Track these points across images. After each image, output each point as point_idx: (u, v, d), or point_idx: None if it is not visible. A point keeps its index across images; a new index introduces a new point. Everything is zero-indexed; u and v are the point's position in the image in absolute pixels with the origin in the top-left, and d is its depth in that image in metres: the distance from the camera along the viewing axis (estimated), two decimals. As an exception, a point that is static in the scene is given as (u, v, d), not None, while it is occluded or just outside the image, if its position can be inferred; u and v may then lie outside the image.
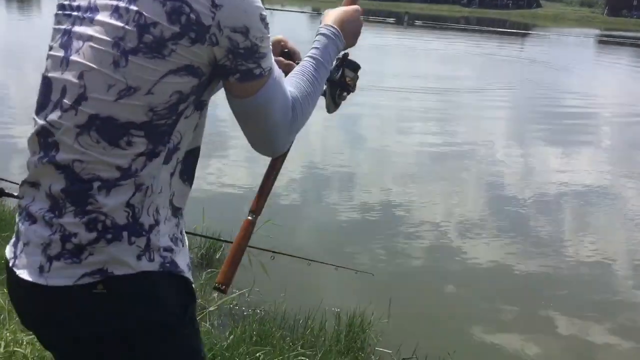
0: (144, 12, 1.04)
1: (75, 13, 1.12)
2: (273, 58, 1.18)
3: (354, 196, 6.78)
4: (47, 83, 1.13)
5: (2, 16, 27.84)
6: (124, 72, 1.05)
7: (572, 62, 24.22)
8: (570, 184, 7.75)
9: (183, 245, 1.21)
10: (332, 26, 1.38)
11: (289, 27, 31.22)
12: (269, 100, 1.16)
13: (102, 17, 1.07)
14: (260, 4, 1.12)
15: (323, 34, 1.37)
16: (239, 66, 1.11)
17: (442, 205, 6.77)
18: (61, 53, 1.11)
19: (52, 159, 1.09)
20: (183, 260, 1.19)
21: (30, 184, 1.14)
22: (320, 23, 1.42)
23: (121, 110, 1.06)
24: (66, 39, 1.11)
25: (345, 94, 1.49)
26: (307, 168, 7.57)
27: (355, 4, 1.49)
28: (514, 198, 7.09)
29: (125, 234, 1.08)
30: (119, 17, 1.05)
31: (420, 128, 10.79)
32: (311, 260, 3.04)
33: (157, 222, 1.13)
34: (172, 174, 1.15)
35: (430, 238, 5.75)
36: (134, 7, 1.04)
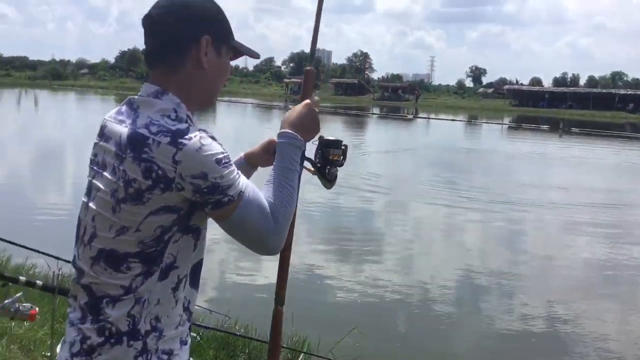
0: (127, 171, 1.36)
1: (95, 168, 1.48)
2: (241, 181, 1.40)
3: (514, 307, 6.87)
4: (78, 223, 1.50)
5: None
6: (119, 215, 1.38)
7: None
8: None
9: (187, 345, 1.51)
10: (285, 133, 1.56)
11: (444, 133, 33.43)
12: (246, 217, 1.40)
13: (106, 173, 1.42)
14: (215, 150, 1.36)
15: (280, 143, 1.56)
16: (209, 199, 1.37)
17: (613, 323, 6.55)
18: (85, 199, 1.49)
19: (78, 281, 1.47)
20: (184, 358, 1.48)
21: (73, 297, 1.49)
22: (280, 128, 1.59)
23: (119, 244, 1.40)
24: (88, 189, 1.49)
25: (334, 169, 1.68)
26: (466, 277, 7.86)
27: (308, 95, 1.64)
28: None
29: (125, 338, 1.39)
30: (114, 174, 1.39)
31: (588, 242, 10.38)
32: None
33: (154, 329, 1.41)
34: (173, 289, 1.44)
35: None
36: (121, 167, 1.37)
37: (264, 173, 1.61)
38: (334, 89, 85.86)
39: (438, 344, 6.06)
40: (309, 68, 1.72)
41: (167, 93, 1.45)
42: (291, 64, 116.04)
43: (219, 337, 4.82)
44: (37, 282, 2.68)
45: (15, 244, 4.40)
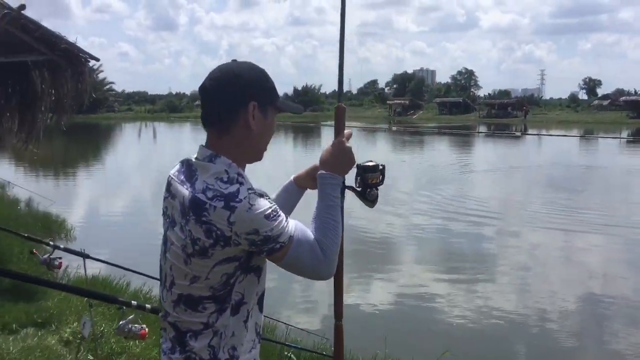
0: (192, 231, 1.58)
1: (167, 220, 1.71)
2: (290, 227, 1.61)
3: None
4: (160, 268, 1.76)
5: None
6: (190, 267, 1.62)
7: None
8: None
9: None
10: (322, 174, 1.75)
11: (554, 150, 32.71)
12: (298, 256, 1.62)
13: (176, 229, 1.64)
14: (263, 207, 1.57)
15: (320, 184, 1.75)
16: (263, 248, 1.59)
17: None
18: (163, 248, 1.72)
19: (165, 319, 1.73)
20: None
21: (163, 329, 1.75)
22: (319, 168, 1.78)
23: (194, 290, 1.64)
24: (164, 238, 1.72)
25: (374, 190, 1.84)
26: (578, 305, 7.75)
27: (340, 132, 1.79)
28: None
29: None
30: (182, 231, 1.61)
31: None
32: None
33: (232, 357, 1.66)
34: (244, 321, 1.68)
35: None
36: (187, 227, 1.59)
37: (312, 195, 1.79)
38: (437, 108, 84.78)
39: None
40: (338, 105, 1.86)
41: (220, 156, 1.67)
42: (395, 86, 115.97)
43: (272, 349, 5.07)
44: (147, 305, 2.99)
45: (132, 271, 4.89)
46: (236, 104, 1.68)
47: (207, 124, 1.72)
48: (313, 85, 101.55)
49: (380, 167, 1.86)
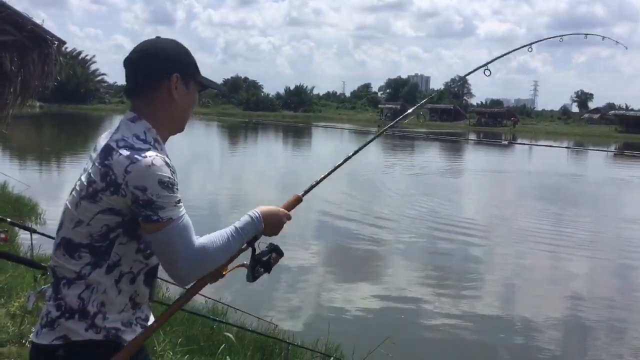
0: (92, 173, 1.69)
1: (82, 172, 1.78)
2: (178, 212, 1.67)
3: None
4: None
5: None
6: (78, 210, 1.70)
7: None
8: None
9: (137, 326, 1.80)
10: (259, 213, 1.86)
11: (548, 161, 32.74)
12: (168, 241, 1.66)
13: (83, 176, 1.73)
14: (162, 172, 1.64)
15: (250, 216, 1.84)
16: (141, 211, 1.65)
17: None
18: (69, 198, 1.78)
19: (49, 265, 1.82)
20: (131, 336, 1.77)
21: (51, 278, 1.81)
22: (256, 209, 1.87)
23: (75, 235, 1.71)
24: (72, 188, 1.79)
25: (263, 271, 1.89)
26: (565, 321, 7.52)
27: (292, 208, 1.97)
28: None
29: (76, 315, 1.71)
30: (85, 176, 1.71)
31: None
32: None
33: (100, 312, 1.71)
34: (116, 281, 1.73)
35: None
36: (90, 170, 1.70)
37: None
38: (429, 114, 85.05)
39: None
40: (299, 195, 2.02)
41: (141, 119, 1.79)
42: (388, 90, 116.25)
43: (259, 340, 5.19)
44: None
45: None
46: (160, 74, 1.80)
47: (132, 94, 1.84)
48: (306, 86, 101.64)
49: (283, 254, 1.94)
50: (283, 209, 1.95)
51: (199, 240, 1.73)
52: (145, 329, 1.84)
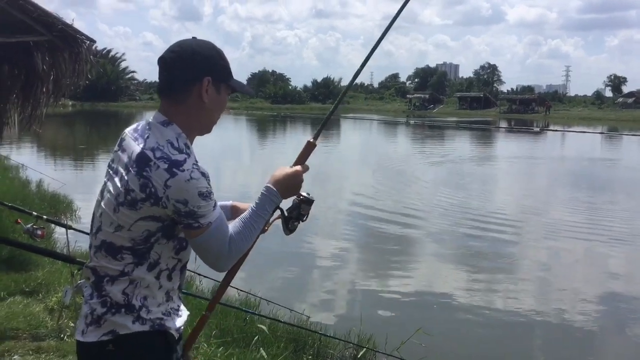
0: (129, 182, 1.71)
1: (110, 172, 1.83)
2: (214, 214, 1.76)
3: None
4: (93, 217, 1.86)
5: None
6: (117, 215, 1.74)
7: None
8: None
9: (177, 315, 1.90)
10: (270, 187, 1.91)
11: (581, 146, 32.94)
12: (207, 243, 1.76)
13: (116, 179, 1.77)
14: (200, 185, 1.71)
15: (263, 193, 1.90)
16: (183, 220, 1.72)
17: None
18: (99, 198, 1.84)
19: (88, 265, 1.85)
20: (172, 324, 1.86)
21: (86, 278, 1.87)
22: (267, 182, 1.93)
23: (116, 238, 1.76)
24: (102, 188, 1.84)
25: (297, 223, 1.99)
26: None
27: (307, 158, 2.01)
28: None
29: (123, 309, 1.77)
30: (121, 181, 1.74)
31: None
32: None
33: (143, 305, 1.79)
34: (157, 277, 1.80)
35: None
36: (127, 178, 1.72)
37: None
38: (458, 103, 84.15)
39: None
40: (310, 141, 2.04)
41: (172, 124, 1.81)
42: (416, 80, 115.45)
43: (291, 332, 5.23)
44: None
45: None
46: (192, 77, 1.81)
47: (163, 93, 1.86)
48: (333, 78, 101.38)
49: (313, 201, 2.00)
50: (296, 166, 1.97)
51: (229, 232, 1.82)
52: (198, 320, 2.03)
